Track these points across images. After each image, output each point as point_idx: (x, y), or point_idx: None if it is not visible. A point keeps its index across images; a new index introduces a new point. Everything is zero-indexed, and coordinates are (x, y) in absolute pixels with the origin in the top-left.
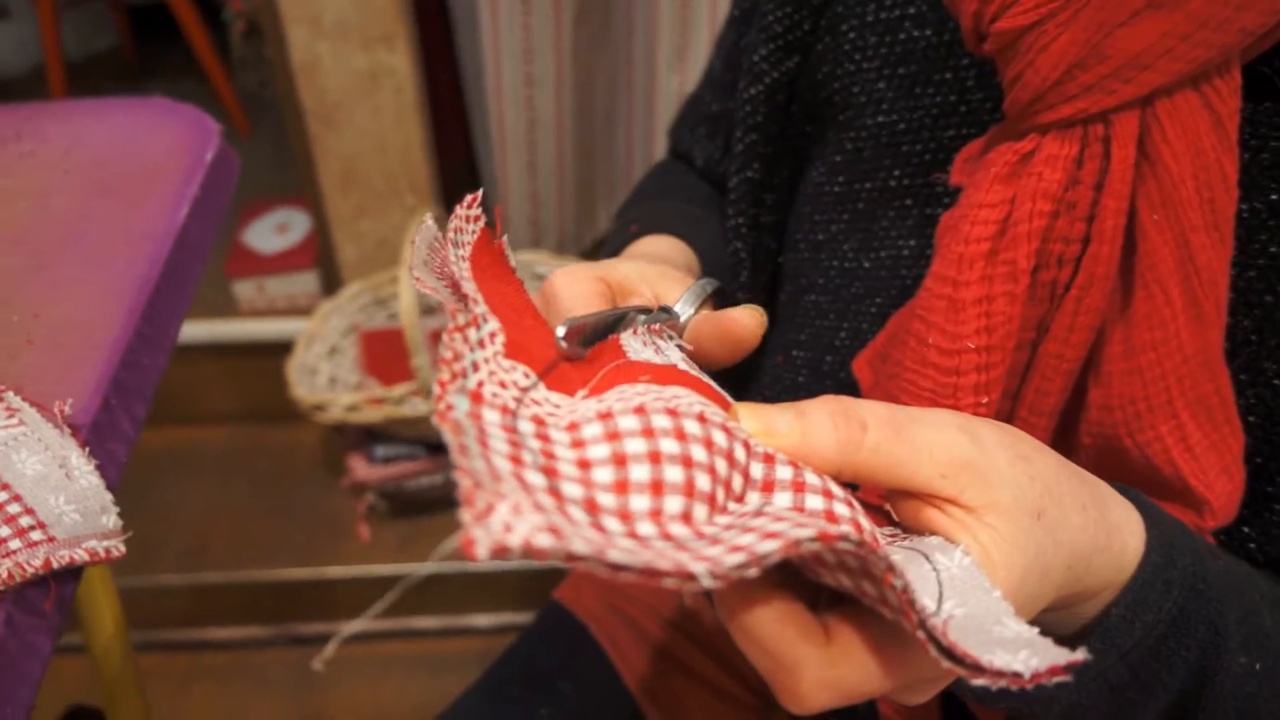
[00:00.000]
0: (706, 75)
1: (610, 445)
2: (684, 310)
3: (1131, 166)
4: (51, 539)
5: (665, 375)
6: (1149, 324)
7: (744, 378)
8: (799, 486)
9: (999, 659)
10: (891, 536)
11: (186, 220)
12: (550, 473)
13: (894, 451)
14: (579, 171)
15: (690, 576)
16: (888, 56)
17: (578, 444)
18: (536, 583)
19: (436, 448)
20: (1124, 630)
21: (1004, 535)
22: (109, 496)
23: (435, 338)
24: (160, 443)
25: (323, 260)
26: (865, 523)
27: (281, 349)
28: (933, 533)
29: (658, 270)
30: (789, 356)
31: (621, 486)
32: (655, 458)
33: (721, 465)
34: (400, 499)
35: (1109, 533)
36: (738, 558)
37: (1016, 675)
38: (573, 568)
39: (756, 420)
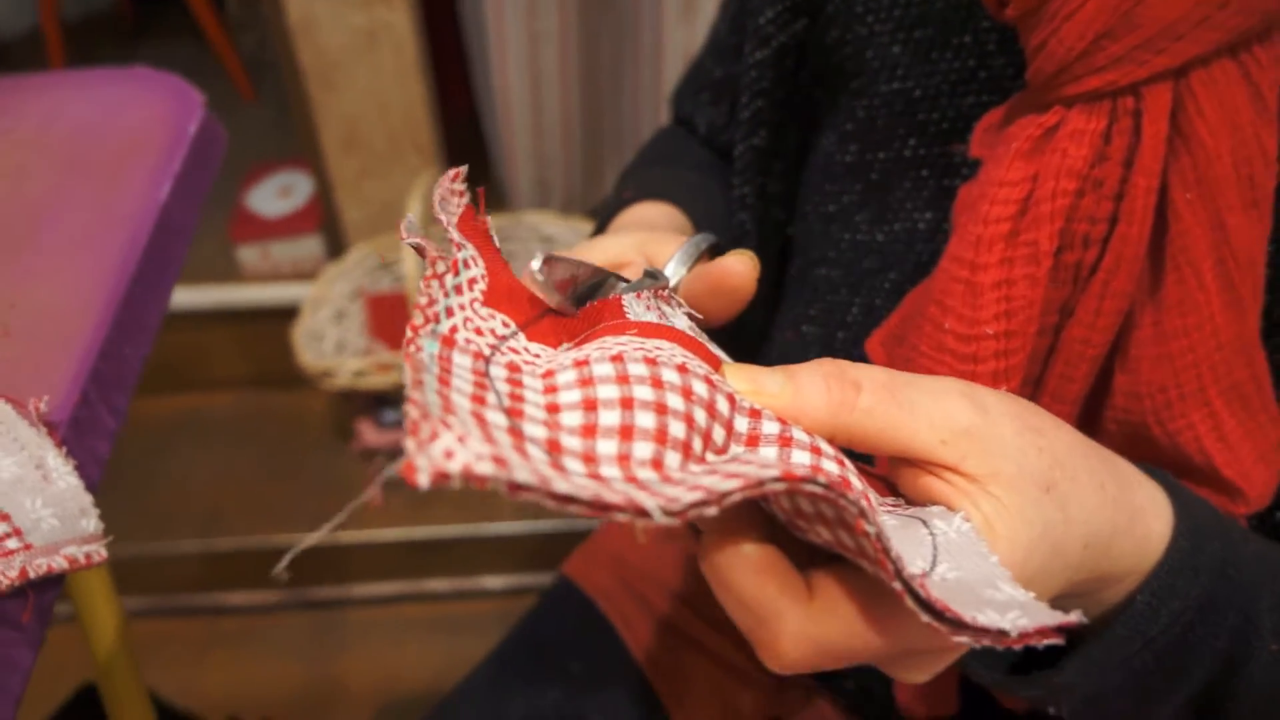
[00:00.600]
0: (710, 39)
1: (582, 390)
2: (675, 270)
3: (1164, 142)
4: (28, 546)
5: (655, 331)
6: (1181, 309)
7: (752, 354)
8: (785, 441)
9: (984, 617)
10: (894, 506)
11: (168, 199)
12: (514, 414)
13: (889, 414)
14: (585, 130)
15: (642, 511)
16: (902, 19)
17: (550, 389)
18: (549, 545)
19: None
20: (1149, 617)
21: (1008, 506)
22: (89, 498)
23: None
24: (168, 410)
25: (327, 223)
26: (856, 482)
27: (287, 314)
28: (934, 502)
29: (646, 235)
30: (799, 332)
31: (589, 430)
32: (628, 404)
33: (700, 415)
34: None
35: (1132, 515)
36: (695, 495)
37: (1002, 633)
38: (589, 535)
39: (745, 379)
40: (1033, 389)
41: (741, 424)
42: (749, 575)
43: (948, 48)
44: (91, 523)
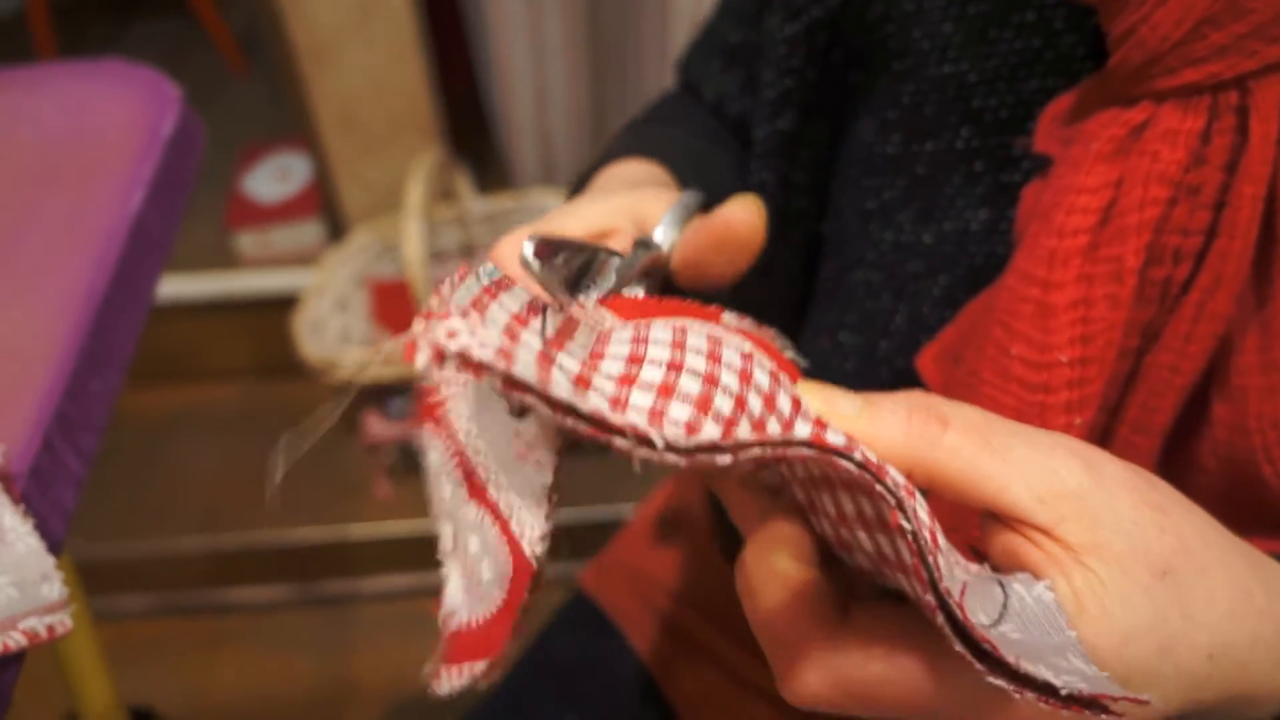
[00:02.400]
0: (724, 2)
1: (632, 346)
2: (666, 235)
3: (1274, 144)
4: None
5: (738, 330)
6: None
7: None
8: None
9: (1032, 667)
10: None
11: (141, 209)
12: (552, 344)
13: (978, 457)
14: (591, 102)
15: (644, 439)
16: None
17: (601, 341)
18: (564, 537)
19: None
20: None
21: (1106, 583)
22: (51, 561)
23: None
24: (168, 402)
25: (327, 207)
26: (923, 515)
27: (289, 301)
28: (1019, 568)
29: (631, 197)
30: (835, 340)
31: (626, 380)
32: (676, 366)
33: (755, 402)
34: (421, 454)
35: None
36: (705, 438)
37: (1049, 688)
38: (607, 542)
39: (819, 396)
40: (1108, 418)
41: (803, 430)
42: (780, 592)
43: (1007, 25)
44: (55, 588)
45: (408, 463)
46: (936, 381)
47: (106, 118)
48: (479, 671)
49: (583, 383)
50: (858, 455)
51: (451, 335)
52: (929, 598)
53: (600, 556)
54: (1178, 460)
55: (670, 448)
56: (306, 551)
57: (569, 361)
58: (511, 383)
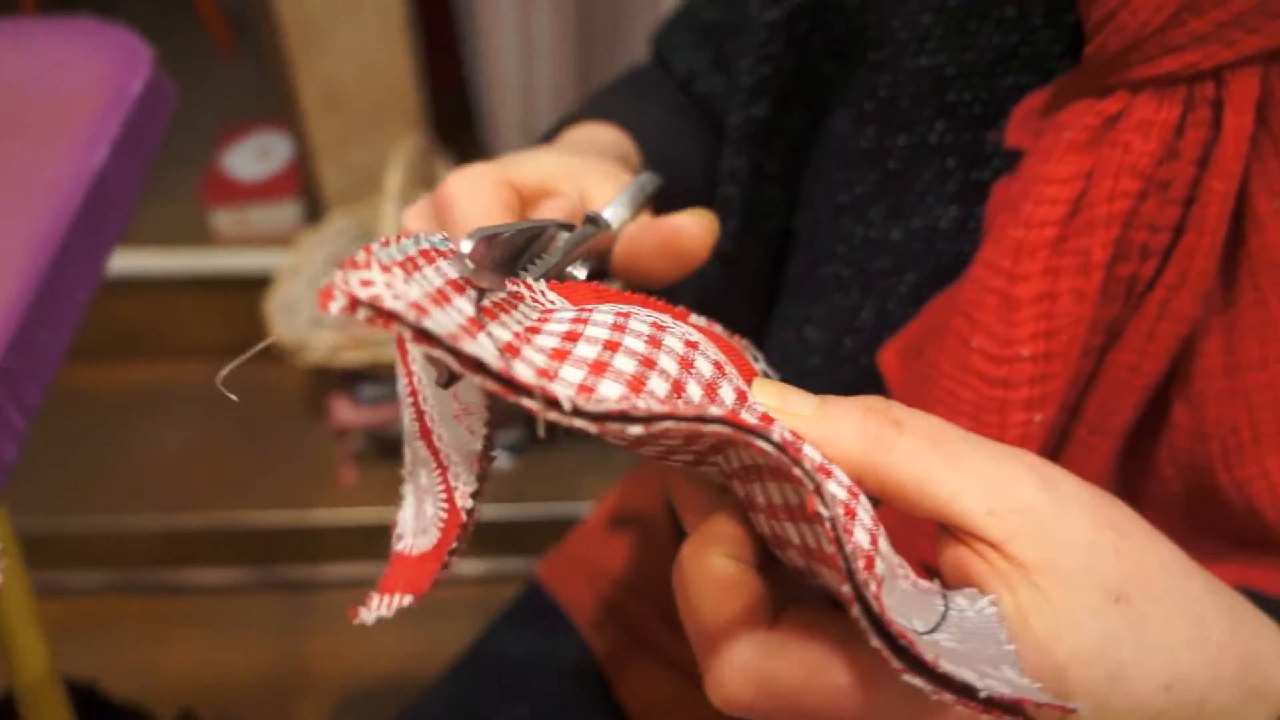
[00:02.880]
0: None
1: (571, 325)
2: (617, 214)
3: (1248, 139)
4: None
5: (697, 327)
6: (1259, 336)
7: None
8: (795, 451)
9: (952, 667)
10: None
11: (104, 165)
12: (487, 313)
13: (929, 463)
14: (578, 98)
15: (552, 400)
16: None
17: (542, 319)
18: (527, 531)
19: None
20: None
21: (1054, 602)
22: None
23: None
24: (134, 379)
25: (306, 188)
26: (866, 516)
27: (263, 282)
28: (966, 583)
29: (584, 163)
30: (800, 334)
31: (559, 354)
32: (612, 346)
33: (694, 390)
34: (388, 442)
35: (1243, 661)
36: (619, 405)
37: (968, 689)
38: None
39: (773, 395)
40: (1068, 417)
41: (748, 419)
42: (712, 590)
43: (986, 19)
44: None
45: (374, 450)
46: (898, 377)
47: (76, 73)
48: (402, 605)
49: (511, 350)
50: (775, 435)
51: (365, 284)
52: (846, 588)
53: (556, 550)
54: (1136, 466)
55: (578, 412)
56: (267, 535)
57: (500, 331)
58: (422, 336)
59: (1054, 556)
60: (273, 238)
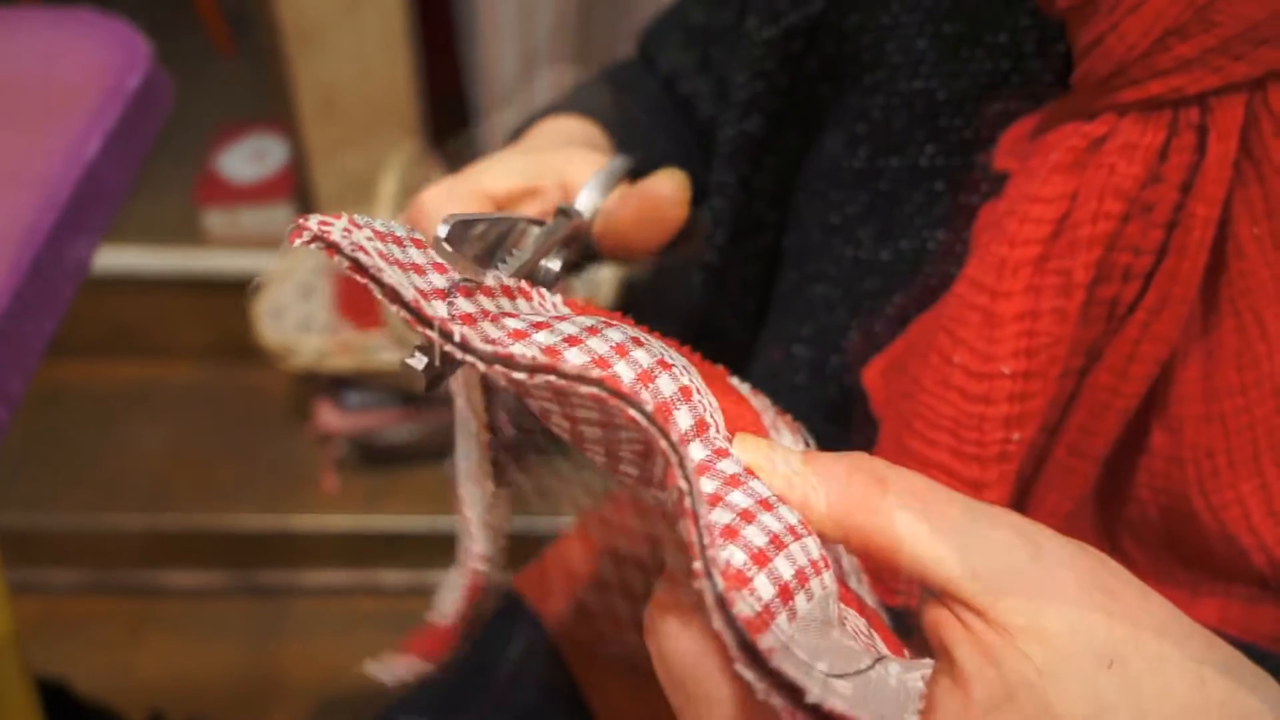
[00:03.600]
0: None
1: (535, 322)
2: (589, 200)
3: (1231, 165)
4: None
5: (688, 356)
6: (1238, 362)
7: (731, 371)
8: (735, 483)
9: (791, 665)
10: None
11: (96, 158)
12: (459, 289)
13: (914, 525)
14: None
15: (428, 322)
16: (933, 10)
17: (512, 316)
18: (509, 545)
19: (410, 398)
20: None
21: (1043, 671)
22: None
23: None
24: (120, 376)
25: (299, 192)
26: (827, 579)
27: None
28: (941, 645)
29: (557, 154)
30: (788, 352)
31: (518, 335)
32: (573, 341)
33: (647, 398)
34: (372, 450)
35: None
36: (502, 350)
37: (795, 693)
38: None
39: (757, 451)
40: (1048, 438)
41: (697, 452)
42: (692, 651)
43: (979, 45)
44: None
45: (357, 457)
46: (881, 394)
47: (73, 64)
48: (417, 669)
49: (469, 320)
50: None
51: (324, 225)
52: (697, 565)
53: (539, 559)
54: (1115, 491)
55: (467, 348)
56: (246, 539)
57: (464, 303)
58: (357, 268)
59: (1042, 621)
60: (264, 240)
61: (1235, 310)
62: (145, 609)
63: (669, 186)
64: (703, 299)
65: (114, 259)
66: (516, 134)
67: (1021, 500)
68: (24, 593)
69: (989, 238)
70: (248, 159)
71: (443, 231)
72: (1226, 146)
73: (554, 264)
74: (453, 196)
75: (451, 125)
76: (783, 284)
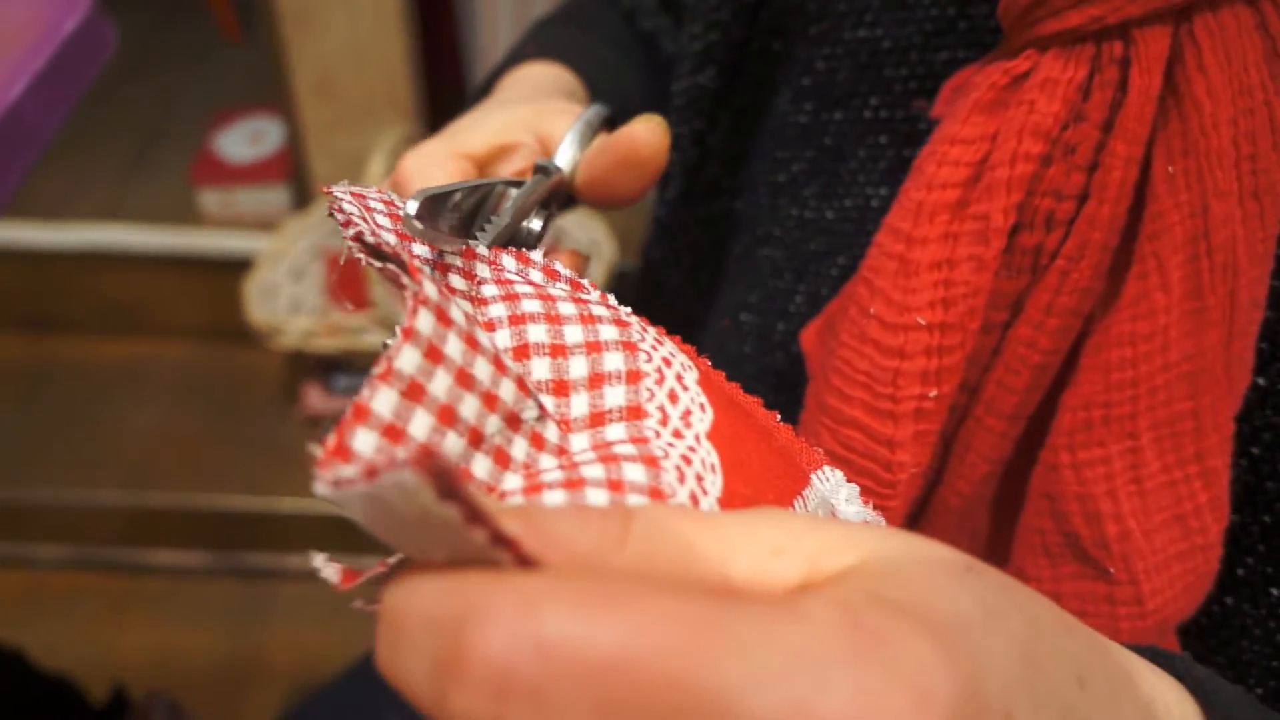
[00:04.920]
0: None
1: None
2: (569, 154)
3: (1154, 100)
4: None
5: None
6: (1133, 311)
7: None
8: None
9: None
10: None
11: (19, 99)
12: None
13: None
14: None
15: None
16: None
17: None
18: None
19: None
20: None
21: (901, 576)
22: None
23: None
24: (111, 353)
25: (294, 174)
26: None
27: (246, 265)
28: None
29: (535, 108)
30: (735, 320)
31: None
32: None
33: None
34: None
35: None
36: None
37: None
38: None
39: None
40: (969, 397)
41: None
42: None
43: None
44: None
45: None
46: (816, 357)
47: (10, 9)
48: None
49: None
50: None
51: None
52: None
53: None
54: (1027, 462)
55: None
56: (231, 519)
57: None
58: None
59: (875, 551)
60: (259, 221)
61: (1141, 256)
62: (129, 587)
63: (648, 132)
64: (653, 256)
65: (110, 236)
66: (487, 86)
67: (941, 461)
68: (8, 566)
69: (908, 183)
70: (245, 140)
71: (411, 208)
72: (1149, 81)
73: (535, 224)
74: (433, 160)
75: (452, 108)
76: (734, 250)
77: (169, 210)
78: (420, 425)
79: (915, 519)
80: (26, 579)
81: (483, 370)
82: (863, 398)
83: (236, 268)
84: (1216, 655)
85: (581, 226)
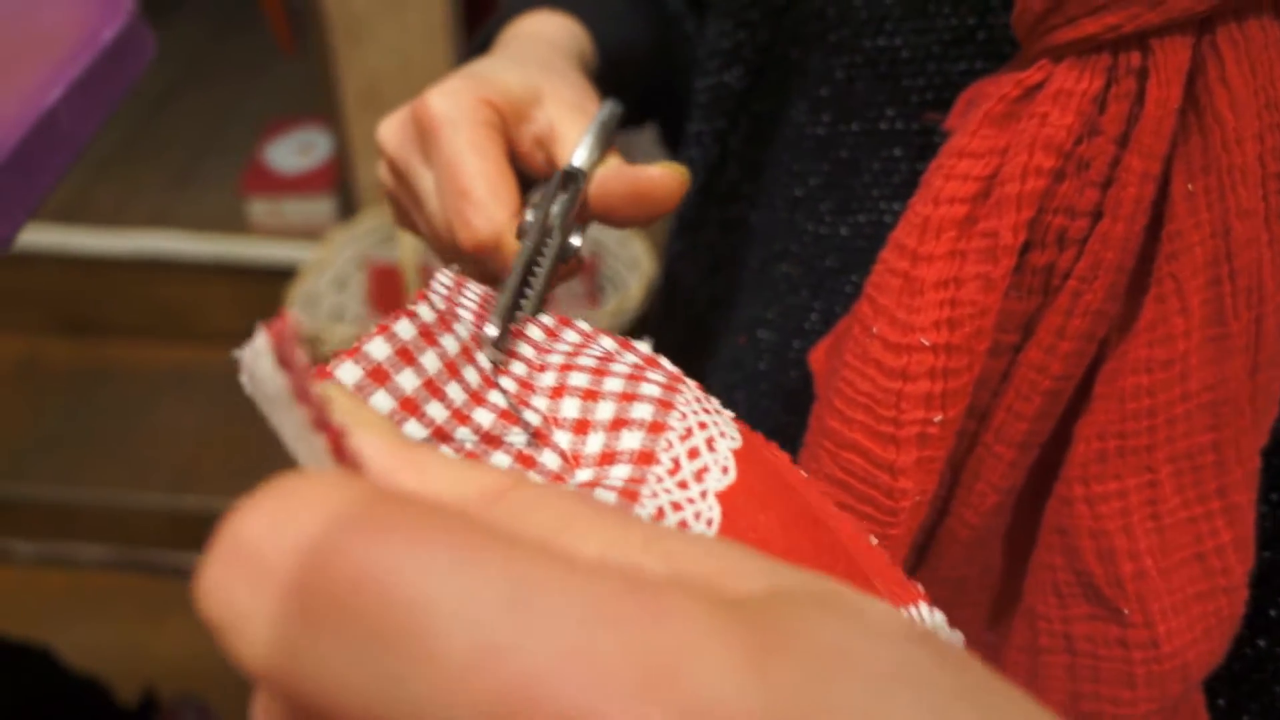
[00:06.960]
0: None
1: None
2: (587, 157)
3: (1173, 114)
4: None
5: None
6: (1150, 336)
7: (701, 358)
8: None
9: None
10: None
11: (56, 104)
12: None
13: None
14: None
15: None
16: None
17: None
18: None
19: None
20: None
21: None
22: None
23: None
24: (158, 358)
25: (341, 185)
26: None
27: (292, 274)
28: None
29: (550, 87)
30: (752, 337)
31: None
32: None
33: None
34: None
35: None
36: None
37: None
38: None
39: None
40: (978, 423)
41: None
42: None
43: (946, 1)
44: None
45: None
46: (823, 376)
47: (51, 14)
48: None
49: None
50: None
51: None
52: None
53: None
54: (1040, 496)
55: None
56: None
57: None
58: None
59: None
60: (306, 231)
61: (1159, 278)
62: (168, 589)
63: (666, 178)
64: (673, 250)
65: (161, 244)
66: (488, 39)
67: (949, 490)
68: (52, 565)
69: (915, 197)
70: (294, 151)
71: (492, 333)
72: (1167, 93)
73: (576, 240)
74: (460, 100)
75: None
76: (751, 264)
77: (218, 219)
78: (381, 403)
79: (923, 550)
80: (68, 578)
81: (456, 393)
82: (864, 420)
83: (281, 276)
84: (1250, 703)
85: (621, 243)
